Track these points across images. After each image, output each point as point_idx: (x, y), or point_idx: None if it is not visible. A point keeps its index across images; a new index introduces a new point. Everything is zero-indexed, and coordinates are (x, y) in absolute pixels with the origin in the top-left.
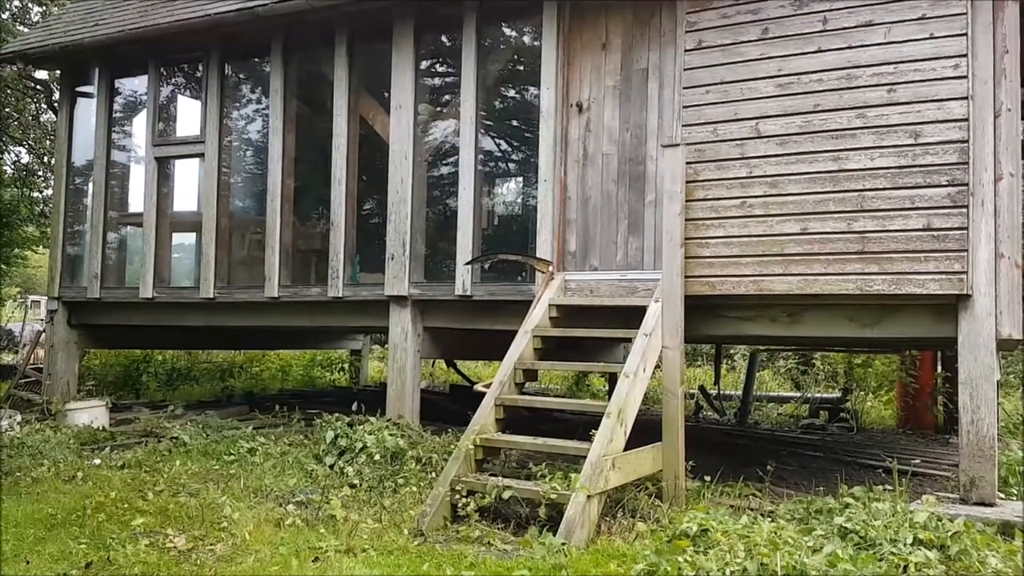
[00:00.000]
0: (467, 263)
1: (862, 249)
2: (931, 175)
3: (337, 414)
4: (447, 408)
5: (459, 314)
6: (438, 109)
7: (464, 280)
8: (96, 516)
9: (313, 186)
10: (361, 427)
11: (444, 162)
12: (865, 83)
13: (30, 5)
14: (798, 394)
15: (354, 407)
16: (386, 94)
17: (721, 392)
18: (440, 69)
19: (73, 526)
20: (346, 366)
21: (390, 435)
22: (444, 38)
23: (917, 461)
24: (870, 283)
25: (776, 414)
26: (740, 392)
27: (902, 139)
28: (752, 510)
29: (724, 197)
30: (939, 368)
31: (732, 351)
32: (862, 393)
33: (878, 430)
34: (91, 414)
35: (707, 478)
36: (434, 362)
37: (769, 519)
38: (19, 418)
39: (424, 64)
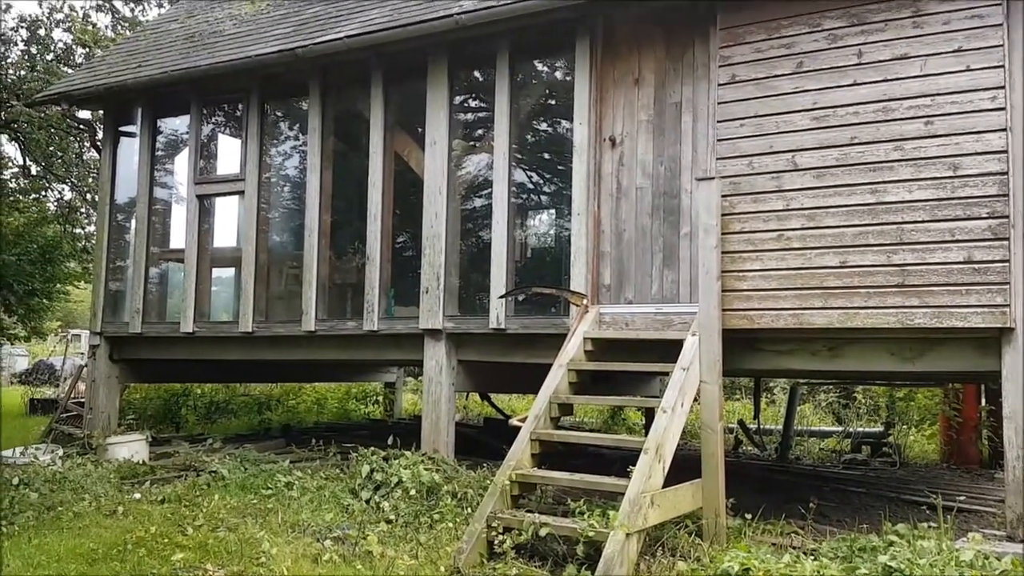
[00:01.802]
0: (501, 296)
1: (902, 282)
2: (971, 207)
3: (372, 448)
4: (482, 441)
5: (493, 347)
6: (471, 144)
7: (498, 313)
8: (137, 551)
9: (349, 221)
10: (396, 461)
11: (477, 195)
12: (902, 116)
13: (74, 47)
14: (839, 428)
15: (389, 441)
16: (420, 130)
17: (761, 426)
18: (473, 104)
19: (114, 561)
20: (380, 399)
21: (425, 470)
22: (477, 74)
23: (962, 497)
24: (911, 316)
25: (818, 449)
26: (780, 426)
27: (941, 171)
28: (794, 548)
29: (761, 230)
30: (983, 401)
31: (772, 384)
32: (905, 427)
33: (921, 465)
34: (131, 448)
35: (748, 516)
36: (468, 395)
37: (812, 558)
38: (61, 452)
39: (457, 100)
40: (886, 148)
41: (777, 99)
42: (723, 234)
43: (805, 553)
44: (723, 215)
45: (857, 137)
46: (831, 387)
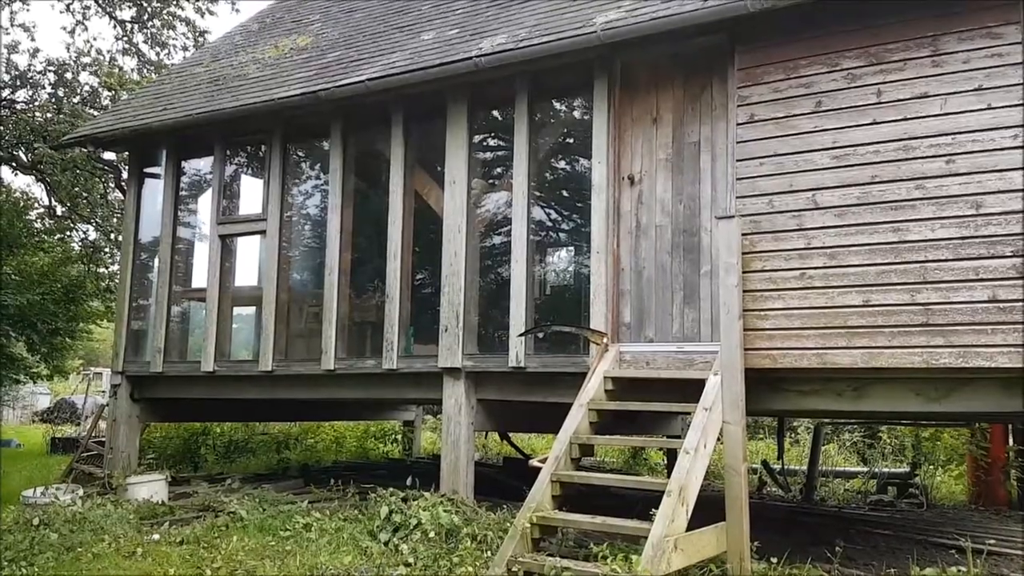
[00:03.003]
0: (520, 335)
1: (926, 321)
2: (995, 246)
3: (391, 488)
4: (501, 482)
5: (513, 386)
6: (490, 182)
7: (518, 351)
8: None
9: (368, 259)
10: (415, 502)
11: (496, 233)
12: (923, 154)
13: (100, 90)
14: (865, 469)
15: (408, 481)
16: (440, 168)
17: (785, 467)
18: (491, 143)
19: None
20: (399, 437)
21: (445, 511)
22: (496, 114)
23: (992, 540)
24: (936, 356)
25: (843, 489)
26: (804, 467)
27: (963, 210)
28: None
29: (783, 268)
30: (1011, 441)
31: (795, 423)
32: (931, 467)
33: (949, 506)
34: (151, 488)
35: (774, 559)
36: (487, 434)
37: None
38: (81, 492)
39: (476, 139)
40: (907, 186)
41: (797, 138)
42: (744, 272)
43: None
44: (744, 253)
45: (878, 176)
46: (856, 427)
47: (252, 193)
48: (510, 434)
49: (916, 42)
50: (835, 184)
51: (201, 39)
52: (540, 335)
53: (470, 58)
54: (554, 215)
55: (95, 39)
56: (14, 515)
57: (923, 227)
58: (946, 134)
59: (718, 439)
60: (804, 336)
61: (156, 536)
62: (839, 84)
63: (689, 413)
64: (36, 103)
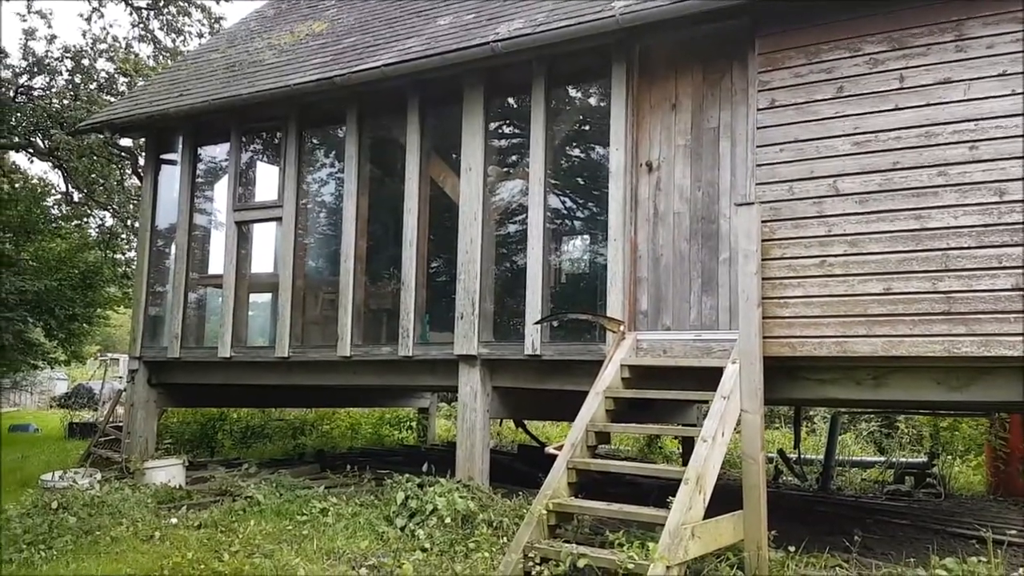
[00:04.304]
0: (536, 322)
1: (948, 309)
2: (1018, 233)
3: (407, 474)
4: (516, 469)
5: (528, 374)
6: (506, 169)
7: (533, 339)
8: None
9: (384, 246)
10: (431, 488)
11: (511, 221)
12: (945, 140)
13: (116, 76)
14: (882, 458)
15: (424, 467)
16: (455, 156)
17: (801, 456)
18: (507, 131)
19: None
20: (414, 424)
21: (460, 497)
22: (512, 101)
23: (1013, 531)
24: (957, 345)
25: (859, 479)
26: (821, 456)
27: (986, 197)
28: None
29: (802, 256)
30: None
31: (812, 412)
32: (949, 457)
33: (967, 496)
34: (168, 472)
35: (791, 548)
36: (501, 421)
37: None
38: (99, 476)
39: (492, 126)
40: (930, 173)
41: (818, 124)
42: (763, 260)
43: None
44: (763, 241)
45: (900, 162)
46: (873, 416)
47: (268, 180)
48: (525, 422)
49: (940, 27)
50: (856, 170)
51: (217, 25)
52: (556, 323)
53: (487, 43)
54: (569, 203)
55: (111, 26)
56: (33, 498)
57: (946, 214)
58: (970, 120)
59: (736, 428)
60: (824, 324)
61: (174, 520)
62: (861, 69)
63: (706, 402)
64: (53, 89)
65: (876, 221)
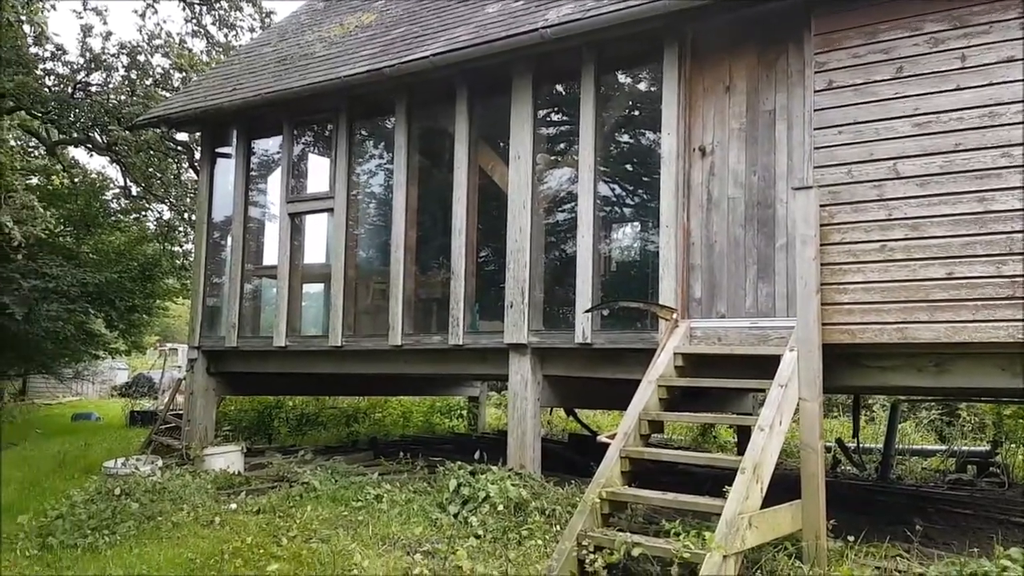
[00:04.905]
0: (587, 311)
1: (1012, 294)
2: None
3: (459, 462)
4: (567, 458)
5: (579, 362)
6: (554, 157)
7: (584, 328)
8: (233, 561)
9: (433, 236)
10: (483, 476)
11: (560, 209)
12: (1009, 120)
13: (171, 72)
14: (943, 447)
15: (475, 455)
16: (503, 144)
17: (860, 445)
18: (556, 118)
19: (212, 571)
20: (464, 412)
21: (512, 485)
22: (560, 88)
23: None
24: (1023, 330)
25: (920, 468)
26: (880, 445)
27: None
28: (900, 572)
29: (862, 241)
30: None
31: (871, 401)
32: (1013, 446)
33: None
34: (227, 459)
35: (850, 538)
36: (551, 410)
37: None
38: (160, 463)
39: (541, 114)
40: (993, 154)
41: (877, 105)
42: (822, 245)
43: None
44: (822, 225)
45: (962, 144)
46: (933, 404)
47: (319, 171)
48: (576, 411)
49: (1002, 3)
50: (917, 152)
51: (268, 19)
52: (606, 311)
53: (536, 29)
54: (619, 190)
55: (164, 21)
56: (96, 485)
57: (1010, 197)
58: None
59: (793, 417)
60: (884, 310)
61: (233, 505)
62: (921, 49)
63: (763, 390)
64: (110, 85)
65: (938, 204)
